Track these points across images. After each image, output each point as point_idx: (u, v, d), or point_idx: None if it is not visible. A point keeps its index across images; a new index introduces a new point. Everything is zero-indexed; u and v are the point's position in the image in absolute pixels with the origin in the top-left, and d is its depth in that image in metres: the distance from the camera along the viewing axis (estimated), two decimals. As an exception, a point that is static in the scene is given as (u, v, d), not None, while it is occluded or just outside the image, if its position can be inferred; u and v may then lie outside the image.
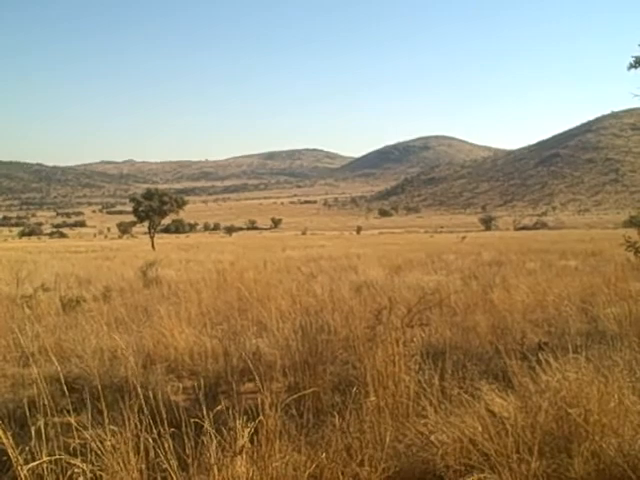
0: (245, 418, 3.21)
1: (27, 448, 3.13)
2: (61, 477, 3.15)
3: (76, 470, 3.14)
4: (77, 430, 3.57)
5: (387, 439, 3.93)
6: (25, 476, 2.95)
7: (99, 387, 4.21)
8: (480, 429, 3.85)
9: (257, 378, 4.17)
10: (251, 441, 3.26)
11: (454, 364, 5.23)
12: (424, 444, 3.99)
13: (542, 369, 4.53)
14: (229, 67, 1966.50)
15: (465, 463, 3.66)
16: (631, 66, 7.48)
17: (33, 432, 3.23)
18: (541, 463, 3.53)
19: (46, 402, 3.68)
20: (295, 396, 3.83)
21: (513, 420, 3.89)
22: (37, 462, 3.00)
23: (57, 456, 3.09)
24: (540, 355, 4.81)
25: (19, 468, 2.98)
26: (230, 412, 3.35)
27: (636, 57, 7.39)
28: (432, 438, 3.96)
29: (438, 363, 4.89)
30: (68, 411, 4.38)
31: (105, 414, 3.71)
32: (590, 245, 27.12)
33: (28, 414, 3.42)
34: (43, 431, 3.29)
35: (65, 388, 4.14)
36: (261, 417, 3.30)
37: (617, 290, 9.47)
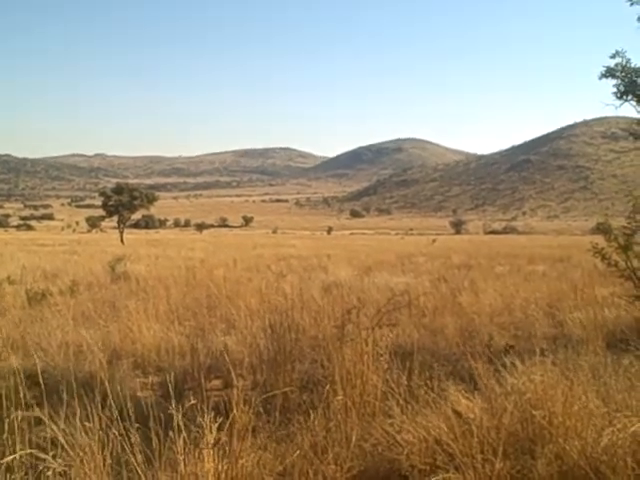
0: (213, 414, 3.20)
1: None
2: (30, 472, 3.11)
3: (45, 465, 3.10)
4: (41, 424, 3.52)
5: (353, 438, 3.94)
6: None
7: (64, 381, 4.15)
8: (446, 429, 3.88)
9: (232, 373, 4.16)
10: (219, 438, 3.25)
11: (421, 365, 5.26)
12: (390, 443, 4.00)
13: (508, 371, 4.58)
14: (203, 62, 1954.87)
15: (430, 463, 3.68)
16: (602, 76, 7.66)
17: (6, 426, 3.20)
18: (505, 464, 3.56)
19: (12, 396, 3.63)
20: (267, 395, 3.82)
21: (478, 421, 3.92)
22: (10, 457, 2.96)
23: (28, 451, 3.05)
24: (506, 358, 4.86)
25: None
26: (198, 408, 3.33)
27: (607, 67, 7.57)
28: (398, 438, 3.98)
29: (406, 363, 4.91)
30: (32, 405, 4.32)
31: (70, 409, 3.67)
32: (558, 251, 27.47)
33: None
34: (11, 425, 3.25)
35: (30, 382, 4.08)
36: (234, 413, 3.29)
37: (583, 295, 9.62)
